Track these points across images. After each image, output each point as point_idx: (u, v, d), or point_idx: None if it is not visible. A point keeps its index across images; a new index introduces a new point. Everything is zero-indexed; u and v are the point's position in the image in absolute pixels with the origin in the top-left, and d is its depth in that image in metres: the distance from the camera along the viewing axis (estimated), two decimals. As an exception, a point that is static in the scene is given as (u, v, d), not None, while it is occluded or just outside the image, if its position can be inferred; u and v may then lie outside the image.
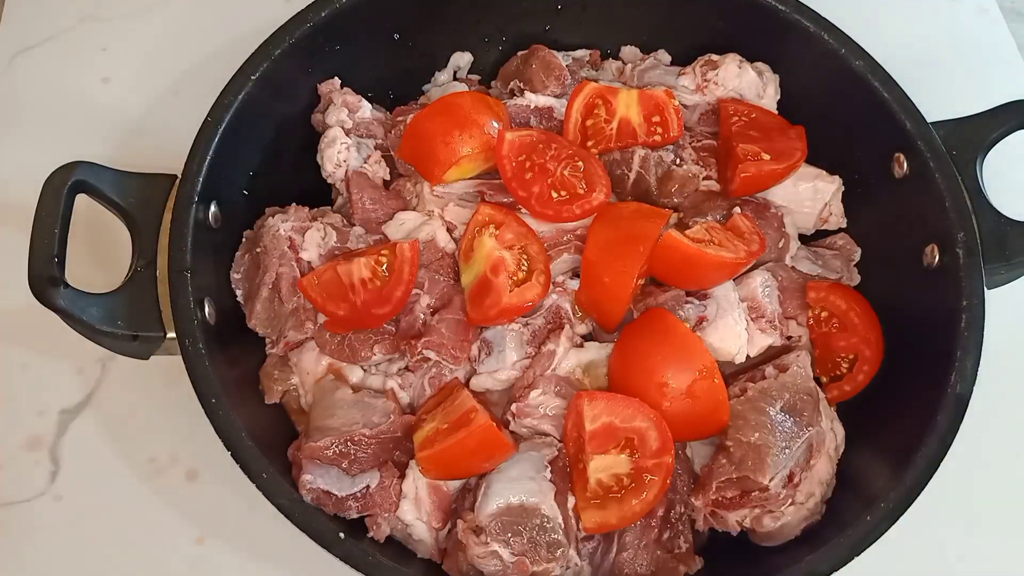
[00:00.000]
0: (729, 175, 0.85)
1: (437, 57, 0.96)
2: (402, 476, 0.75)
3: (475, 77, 0.98)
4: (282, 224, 0.79)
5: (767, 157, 0.84)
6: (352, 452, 0.73)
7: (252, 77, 0.78)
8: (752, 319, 0.79)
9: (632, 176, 0.84)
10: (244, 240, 0.82)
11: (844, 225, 0.89)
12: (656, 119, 0.86)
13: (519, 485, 0.71)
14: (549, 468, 0.72)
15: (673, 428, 0.72)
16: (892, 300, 0.83)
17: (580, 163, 0.82)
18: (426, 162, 0.82)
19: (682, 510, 0.75)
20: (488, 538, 0.69)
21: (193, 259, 0.73)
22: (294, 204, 0.82)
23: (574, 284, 0.81)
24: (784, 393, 0.74)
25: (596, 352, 0.78)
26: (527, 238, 0.79)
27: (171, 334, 0.71)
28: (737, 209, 0.84)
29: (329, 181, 0.87)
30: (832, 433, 0.77)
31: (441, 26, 0.93)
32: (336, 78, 0.88)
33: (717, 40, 0.91)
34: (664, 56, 0.96)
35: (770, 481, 0.71)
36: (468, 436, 0.71)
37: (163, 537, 0.81)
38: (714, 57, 0.90)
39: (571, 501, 0.72)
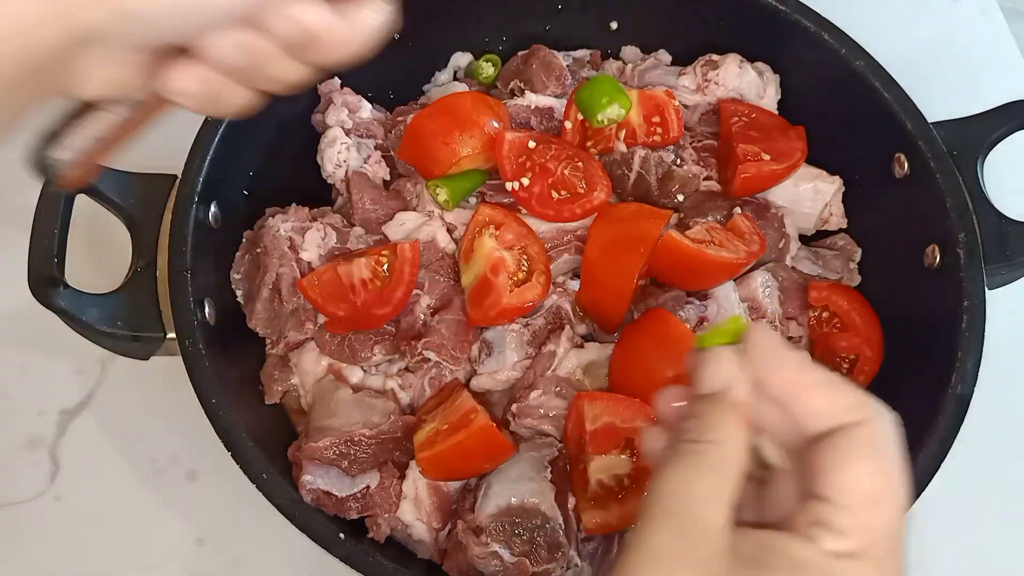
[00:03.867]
0: (729, 175, 0.85)
1: (437, 57, 0.96)
2: (402, 476, 0.75)
3: (475, 77, 0.98)
4: (282, 224, 0.79)
5: (767, 157, 0.84)
6: (352, 452, 0.73)
7: (252, 77, 0.78)
8: (753, 319, 0.79)
9: (632, 176, 0.84)
10: (244, 240, 0.81)
11: (844, 225, 0.89)
12: (656, 119, 0.86)
13: (519, 486, 0.71)
14: (549, 468, 0.72)
15: (674, 428, 0.72)
16: (893, 300, 0.82)
17: (580, 163, 0.82)
18: (426, 162, 0.82)
19: (683, 510, 0.75)
20: (488, 539, 0.69)
21: (193, 259, 0.73)
22: (294, 204, 0.82)
23: (574, 284, 0.81)
24: (785, 393, 0.74)
25: (596, 353, 0.78)
26: (527, 238, 0.79)
27: (171, 334, 0.71)
28: (737, 209, 0.84)
29: (329, 181, 0.87)
30: (832, 433, 0.77)
31: (441, 26, 0.93)
32: (336, 78, 0.88)
33: (717, 40, 0.91)
34: (664, 56, 0.95)
35: (770, 481, 0.71)
36: (468, 437, 0.71)
37: (163, 538, 0.81)
38: (714, 57, 0.90)
39: (571, 501, 0.72)
